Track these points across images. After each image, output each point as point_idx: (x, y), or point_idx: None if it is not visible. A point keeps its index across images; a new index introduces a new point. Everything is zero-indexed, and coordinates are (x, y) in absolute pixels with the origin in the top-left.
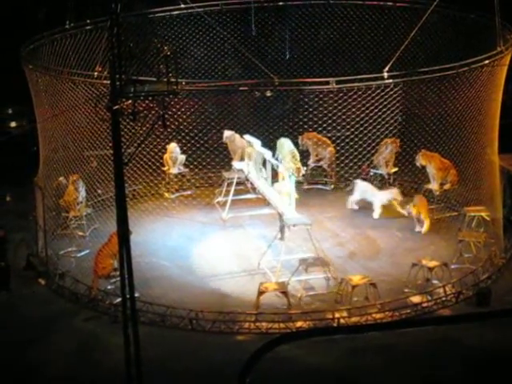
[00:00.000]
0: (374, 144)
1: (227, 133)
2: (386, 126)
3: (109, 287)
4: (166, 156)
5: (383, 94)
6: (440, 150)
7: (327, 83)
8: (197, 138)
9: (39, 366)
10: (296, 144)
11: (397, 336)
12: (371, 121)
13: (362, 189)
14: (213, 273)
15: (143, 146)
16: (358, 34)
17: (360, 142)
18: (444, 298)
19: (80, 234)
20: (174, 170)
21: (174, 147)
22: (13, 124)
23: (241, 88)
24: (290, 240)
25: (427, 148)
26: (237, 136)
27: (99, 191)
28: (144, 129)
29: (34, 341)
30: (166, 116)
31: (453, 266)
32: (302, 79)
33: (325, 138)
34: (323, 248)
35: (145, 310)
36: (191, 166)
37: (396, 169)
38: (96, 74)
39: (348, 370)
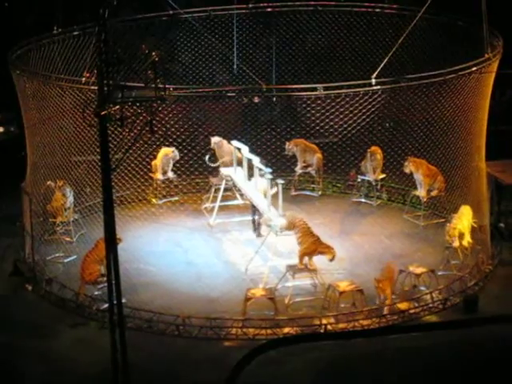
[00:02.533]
0: (361, 150)
1: (215, 139)
2: (374, 132)
3: (96, 293)
4: (154, 162)
5: (371, 100)
6: (427, 156)
7: (315, 89)
8: (184, 144)
9: (25, 372)
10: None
11: (384, 343)
12: (359, 127)
13: None
14: (200, 279)
15: (131, 151)
16: (346, 41)
17: (348, 149)
18: (431, 305)
19: (67, 239)
20: (161, 176)
21: (170, 151)
22: (0, 129)
23: (228, 94)
24: (277, 246)
25: (414, 154)
26: (224, 142)
27: (87, 189)
28: (132, 134)
29: (20, 346)
30: (154, 122)
31: (440, 273)
32: (289, 85)
33: (312, 145)
34: None
35: (132, 315)
36: (178, 172)
37: (384, 175)
38: (84, 79)
39: (335, 376)
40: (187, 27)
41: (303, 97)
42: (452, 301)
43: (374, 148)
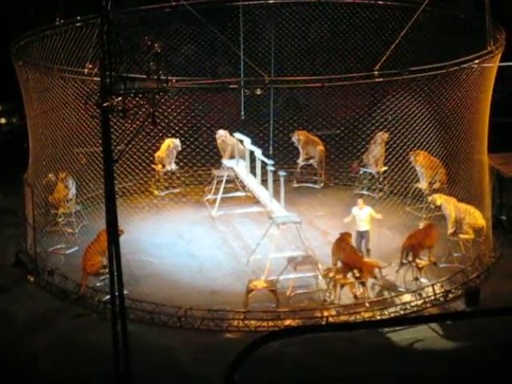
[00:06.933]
0: (363, 143)
1: (221, 132)
2: (376, 124)
3: (98, 284)
4: (157, 153)
5: (373, 92)
6: (429, 149)
7: (317, 81)
8: (186, 136)
9: (27, 362)
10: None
11: (385, 335)
12: (361, 119)
13: None
14: (202, 270)
15: (133, 143)
16: (348, 33)
17: (350, 141)
18: (433, 297)
19: (69, 231)
20: (172, 167)
21: (171, 142)
22: (2, 121)
23: (231, 86)
24: (279, 238)
25: (417, 147)
26: (228, 135)
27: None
28: (134, 126)
29: (23, 337)
30: (156, 113)
31: (442, 265)
32: (292, 77)
33: (315, 137)
34: (312, 246)
35: (134, 307)
36: (181, 164)
37: (386, 167)
38: (86, 70)
39: (336, 369)
40: (189, 19)
41: (306, 89)
42: (454, 293)
43: (380, 133)
